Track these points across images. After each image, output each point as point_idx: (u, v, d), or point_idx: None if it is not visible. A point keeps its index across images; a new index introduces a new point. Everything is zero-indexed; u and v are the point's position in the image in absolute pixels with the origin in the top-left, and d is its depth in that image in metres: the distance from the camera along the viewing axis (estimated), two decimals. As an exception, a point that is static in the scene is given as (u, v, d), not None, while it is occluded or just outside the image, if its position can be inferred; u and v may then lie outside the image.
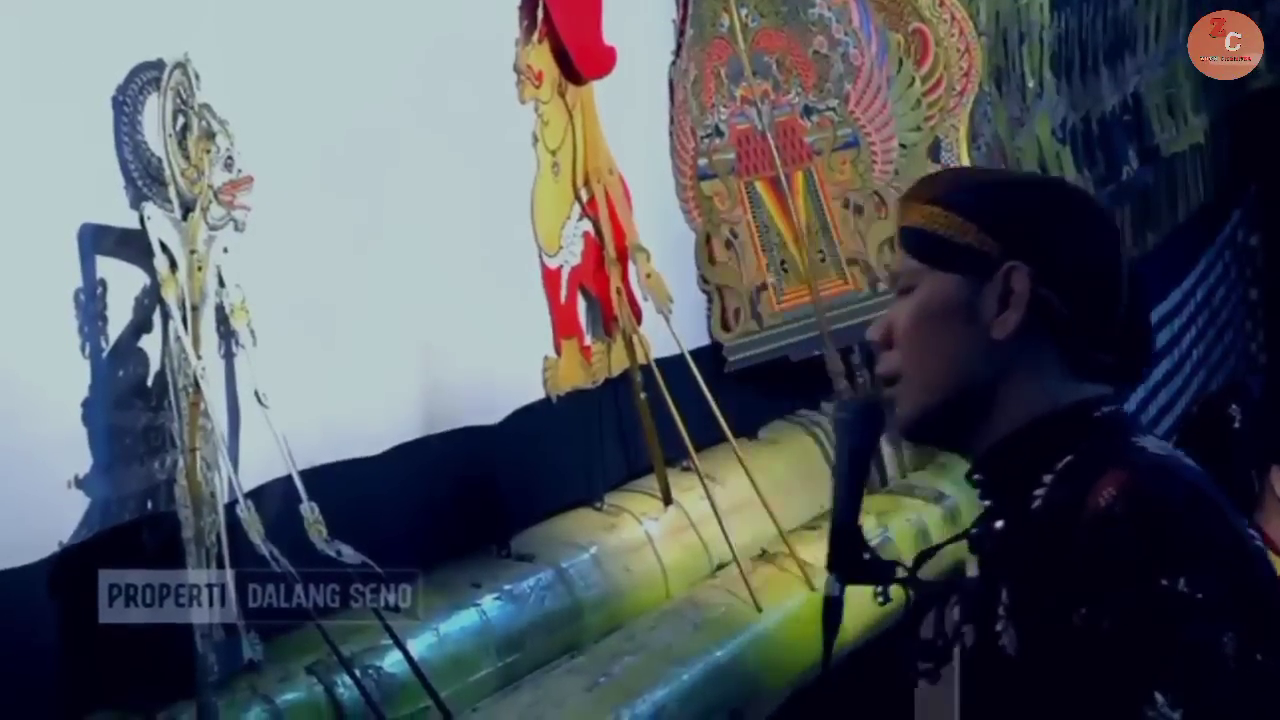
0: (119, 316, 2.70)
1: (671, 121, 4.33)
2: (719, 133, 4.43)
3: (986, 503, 1.91)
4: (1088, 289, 1.87)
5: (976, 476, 1.92)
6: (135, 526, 2.72)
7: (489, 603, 3.31)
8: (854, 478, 2.05)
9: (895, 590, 1.99)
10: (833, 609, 1.98)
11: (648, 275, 3.92)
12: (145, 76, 2.72)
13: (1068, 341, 1.86)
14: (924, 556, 2.03)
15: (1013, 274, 1.84)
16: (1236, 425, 3.51)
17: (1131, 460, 1.77)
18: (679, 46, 4.36)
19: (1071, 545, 1.71)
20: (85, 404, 2.64)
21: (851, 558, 1.99)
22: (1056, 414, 1.85)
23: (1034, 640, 1.75)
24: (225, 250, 2.74)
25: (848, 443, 2.03)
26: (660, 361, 3.90)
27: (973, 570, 1.97)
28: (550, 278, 3.74)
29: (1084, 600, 1.68)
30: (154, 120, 2.70)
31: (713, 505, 3.87)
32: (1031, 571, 1.76)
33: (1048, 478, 1.81)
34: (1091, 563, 1.69)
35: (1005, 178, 2.17)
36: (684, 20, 4.36)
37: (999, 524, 1.87)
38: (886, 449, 4.85)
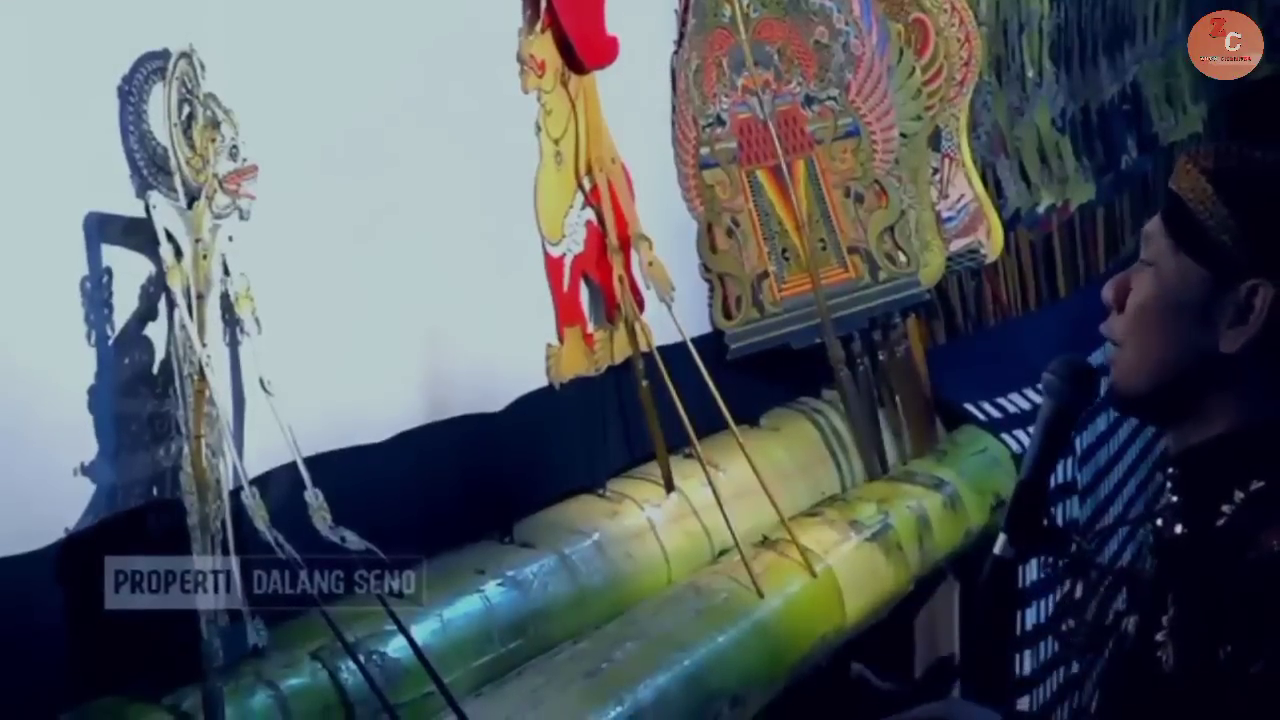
0: (124, 305, 2.71)
1: (673, 111, 4.33)
2: (720, 122, 4.44)
3: (1173, 498, 1.86)
4: None
5: (1170, 470, 1.87)
6: (140, 513, 2.73)
7: (492, 589, 3.33)
8: (1050, 439, 1.96)
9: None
10: (999, 570, 1.92)
11: (650, 263, 3.93)
12: (150, 66, 2.73)
13: None
14: (1102, 530, 1.98)
15: (1259, 290, 1.76)
16: None
17: None
18: (681, 36, 4.36)
19: (1239, 580, 1.66)
20: (91, 391, 2.65)
21: (1029, 521, 1.92)
22: (1260, 427, 1.78)
23: (1190, 665, 1.71)
24: (230, 239, 2.75)
25: (1052, 402, 1.96)
26: (662, 349, 3.91)
27: (1001, 547, 1.92)
28: (553, 266, 3.75)
29: (1233, 638, 1.64)
30: (159, 109, 2.71)
31: (715, 492, 3.88)
32: (1199, 597, 1.71)
33: (1239, 495, 1.75)
34: (1250, 603, 1.64)
35: None
36: (686, 10, 4.36)
37: (1179, 529, 1.81)
38: (887, 435, 4.86)
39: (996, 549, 1.94)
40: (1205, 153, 1.86)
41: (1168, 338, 1.82)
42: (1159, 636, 1.75)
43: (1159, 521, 1.87)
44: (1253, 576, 1.65)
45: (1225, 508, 1.74)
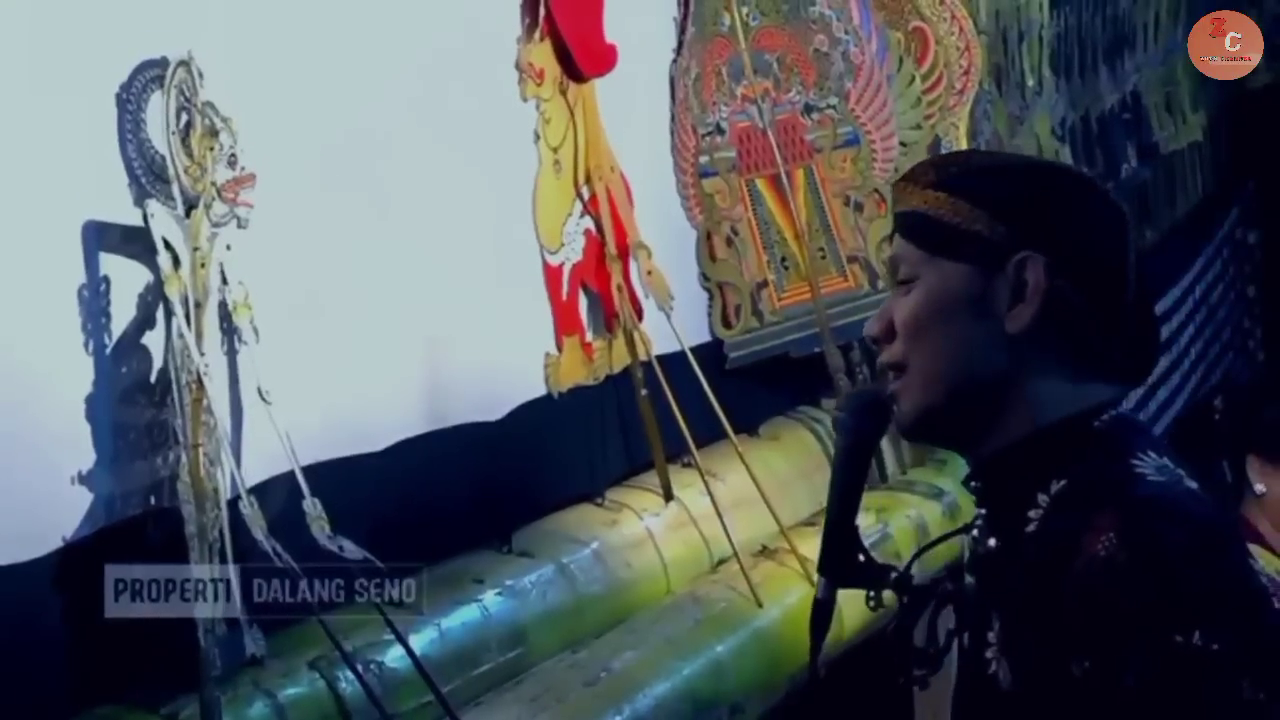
0: (123, 313, 2.71)
1: (672, 119, 4.33)
2: (720, 130, 4.44)
3: (982, 511, 1.83)
4: (1100, 279, 1.77)
5: (973, 484, 1.85)
6: (138, 522, 2.73)
7: (491, 598, 3.32)
8: (851, 476, 1.96)
9: (888, 595, 1.94)
10: (821, 611, 1.92)
11: (649, 272, 3.93)
12: (149, 74, 2.73)
13: (1081, 335, 1.76)
14: (918, 554, 1.98)
15: (1027, 264, 1.74)
16: (1216, 417, 3.51)
17: (1129, 496, 1.67)
18: (680, 44, 4.36)
19: (1068, 588, 1.63)
20: (89, 400, 2.65)
21: (844, 559, 1.92)
22: (1055, 426, 1.76)
23: (1029, 680, 1.68)
24: (228, 247, 2.75)
25: (846, 440, 1.96)
26: (661, 358, 3.91)
27: (821, 590, 1.92)
28: (552, 275, 3.75)
29: (1087, 651, 1.61)
30: (158, 118, 2.71)
31: (713, 501, 3.88)
32: (1024, 608, 1.69)
33: (1043, 498, 1.72)
34: (1093, 613, 1.61)
35: (1010, 161, 1.99)
36: (685, 18, 4.37)
37: (992, 541, 1.79)
38: (886, 444, 4.86)
39: (817, 592, 1.94)
40: (918, 171, 1.85)
41: (952, 342, 1.79)
42: (989, 654, 1.74)
43: (974, 534, 1.85)
44: (1085, 586, 1.62)
45: (1031, 513, 1.72)
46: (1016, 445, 1.78)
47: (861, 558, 1.93)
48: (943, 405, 1.82)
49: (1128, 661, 1.60)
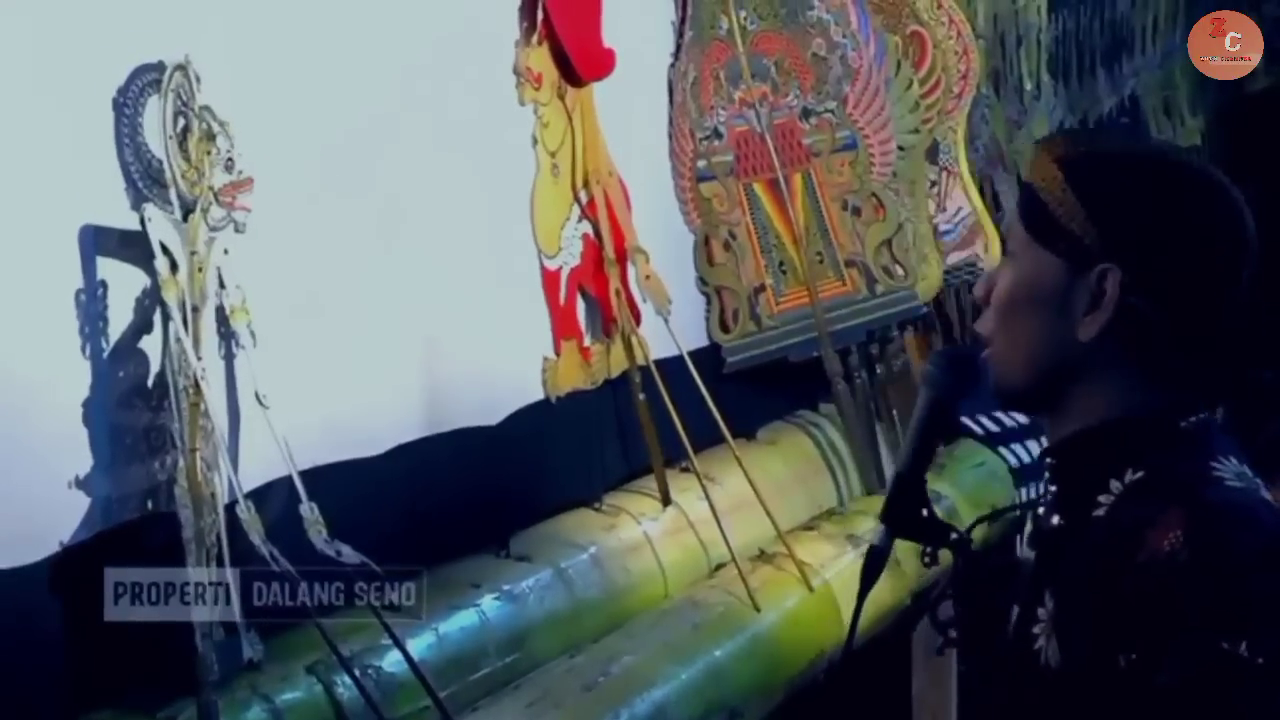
0: (120, 317, 2.71)
1: (670, 123, 4.33)
2: (718, 135, 4.44)
3: (1052, 488, 1.83)
4: (1189, 299, 1.74)
5: (1049, 460, 1.83)
6: (135, 526, 2.72)
7: (488, 603, 3.32)
8: (928, 431, 1.94)
9: (943, 554, 1.92)
10: (875, 560, 1.90)
11: (646, 276, 3.93)
12: (146, 78, 2.73)
13: (1156, 353, 1.75)
14: (980, 521, 1.97)
15: (1107, 276, 1.73)
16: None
17: (1203, 497, 1.67)
18: (678, 48, 4.36)
19: (1127, 581, 1.63)
20: (86, 404, 2.65)
21: (907, 512, 1.91)
22: (1134, 419, 1.75)
23: (1076, 664, 1.68)
24: (226, 252, 2.75)
25: (929, 394, 1.95)
26: (659, 363, 3.91)
27: (878, 537, 1.91)
28: (550, 279, 3.75)
29: (1134, 645, 1.61)
30: (155, 122, 2.71)
31: (711, 506, 3.88)
32: (1080, 592, 1.69)
33: (1116, 485, 1.72)
34: (1147, 608, 1.61)
35: (1140, 156, 1.88)
36: (683, 22, 4.37)
37: (1056, 519, 1.79)
38: (884, 449, 4.85)
39: (874, 538, 1.94)
40: (1058, 140, 1.86)
41: (1031, 329, 1.80)
42: (1036, 630, 1.73)
43: (1040, 509, 1.85)
44: (1145, 580, 1.61)
45: (1101, 497, 1.72)
46: (1095, 430, 1.78)
47: (925, 513, 1.92)
48: (1019, 386, 1.84)
49: (1168, 660, 1.59)
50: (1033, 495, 5.27)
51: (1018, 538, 1.89)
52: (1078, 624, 1.69)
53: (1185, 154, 1.90)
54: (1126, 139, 1.80)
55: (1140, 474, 1.72)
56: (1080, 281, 1.75)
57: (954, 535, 1.89)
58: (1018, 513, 1.91)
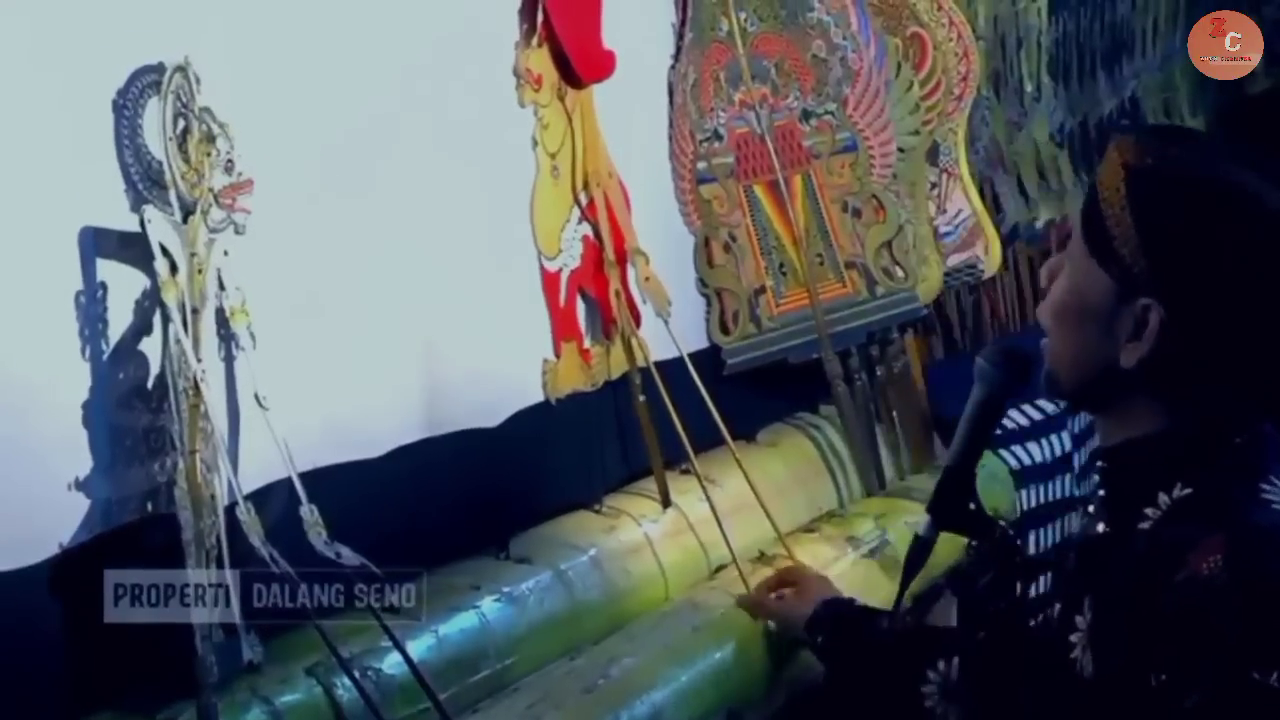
0: (119, 319, 2.71)
1: (670, 125, 4.32)
2: (718, 136, 4.43)
3: (1101, 493, 1.82)
4: (1234, 338, 1.72)
5: (1099, 463, 1.84)
6: (135, 528, 2.72)
7: (488, 605, 3.32)
8: (979, 425, 1.94)
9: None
10: (920, 549, 1.89)
11: (646, 278, 3.92)
12: (145, 80, 2.73)
13: (1196, 378, 1.73)
14: (1027, 514, 1.95)
15: (1149, 311, 1.71)
16: None
17: (1247, 521, 1.65)
18: (678, 50, 4.35)
19: (1165, 600, 1.61)
20: (86, 406, 2.65)
21: (954, 504, 1.90)
22: (1183, 434, 1.72)
23: (1108, 677, 1.67)
24: (225, 253, 2.75)
25: (982, 388, 1.93)
26: (659, 364, 3.91)
27: (924, 528, 1.91)
28: (549, 281, 3.75)
29: (1166, 665, 1.60)
30: (154, 124, 2.71)
31: (712, 507, 3.87)
32: (1119, 606, 1.68)
33: (1163, 499, 1.70)
34: (1182, 630, 1.60)
35: (1206, 179, 1.79)
36: (683, 24, 4.36)
37: (1101, 527, 1.78)
38: (885, 451, 4.85)
39: (920, 529, 1.93)
40: (1129, 142, 1.79)
41: (1079, 339, 1.80)
42: (1073, 638, 1.73)
43: (1090, 509, 1.83)
44: (1182, 601, 1.60)
45: (1148, 510, 1.72)
46: (1143, 441, 1.77)
47: (972, 506, 1.91)
48: (1066, 387, 1.85)
49: (1197, 683, 1.59)
50: (1037, 501, 5.25)
51: (1063, 534, 1.89)
52: (1114, 638, 1.68)
53: (1263, 182, 1.79)
54: (1202, 149, 1.77)
55: (1188, 491, 1.71)
56: (1126, 308, 1.75)
57: (999, 530, 1.89)
58: (1067, 511, 1.90)
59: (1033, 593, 1.90)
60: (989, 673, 2.05)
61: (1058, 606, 1.79)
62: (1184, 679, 1.57)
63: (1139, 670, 1.60)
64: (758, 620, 3.23)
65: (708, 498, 3.89)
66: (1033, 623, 1.85)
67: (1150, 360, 1.72)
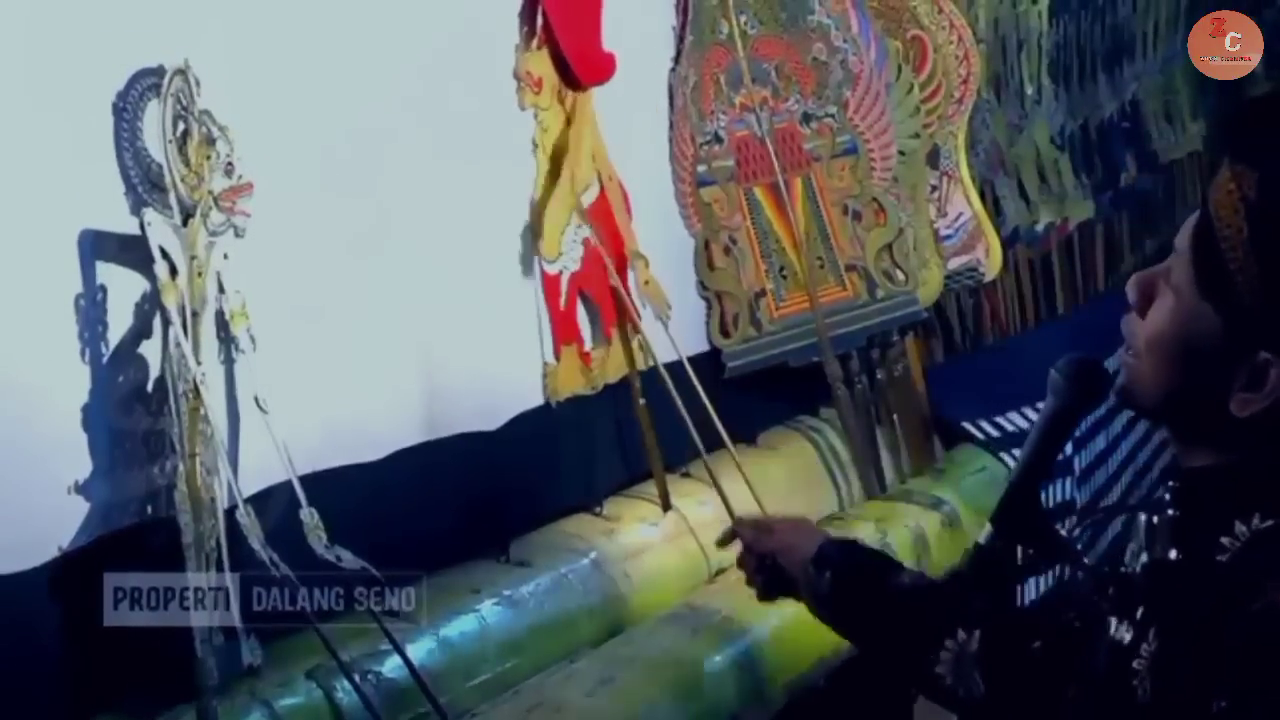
0: (119, 322, 2.70)
1: (671, 128, 4.32)
2: (718, 139, 4.43)
3: (1171, 512, 1.72)
4: None
5: (1171, 483, 1.74)
6: (135, 531, 2.72)
7: (488, 608, 3.32)
8: (1049, 438, 1.86)
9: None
10: (985, 560, 1.83)
11: (646, 282, 3.92)
12: (145, 83, 2.72)
13: None
14: (1082, 522, 1.91)
15: (1270, 368, 1.58)
16: None
17: None
18: (678, 53, 4.36)
19: (1237, 625, 1.55)
20: (86, 409, 2.65)
21: (1020, 518, 1.84)
22: (1267, 464, 1.63)
23: (1170, 705, 1.61)
24: (225, 256, 2.75)
25: (1054, 402, 1.86)
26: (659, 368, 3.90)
27: (984, 537, 1.86)
28: (550, 284, 3.74)
29: (1230, 691, 1.54)
30: (154, 126, 2.71)
31: (727, 506, 3.84)
32: (1187, 636, 1.61)
33: (1241, 530, 1.62)
34: (1251, 657, 1.54)
35: None
36: (683, 27, 4.36)
37: (1174, 553, 1.69)
38: (885, 454, 4.85)
39: (981, 537, 1.89)
40: (1250, 177, 1.60)
41: (1177, 374, 1.67)
42: (1136, 664, 1.66)
43: (1154, 523, 1.78)
44: (1255, 629, 1.54)
45: (1225, 540, 1.63)
46: (1226, 469, 1.68)
47: (1038, 523, 1.86)
48: (1151, 409, 1.75)
49: (1260, 713, 1.53)
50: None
51: (1127, 551, 1.80)
52: (1179, 667, 1.62)
53: None
54: None
55: (1269, 523, 1.62)
56: (1242, 356, 1.61)
57: (1066, 546, 1.83)
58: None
59: (1091, 606, 1.85)
60: (1014, 661, 1.99)
61: (1120, 628, 1.73)
62: (1246, 707, 1.52)
63: (1201, 695, 1.55)
64: (745, 573, 2.96)
65: (722, 496, 3.84)
66: (1093, 638, 1.79)
67: (1269, 411, 1.60)
